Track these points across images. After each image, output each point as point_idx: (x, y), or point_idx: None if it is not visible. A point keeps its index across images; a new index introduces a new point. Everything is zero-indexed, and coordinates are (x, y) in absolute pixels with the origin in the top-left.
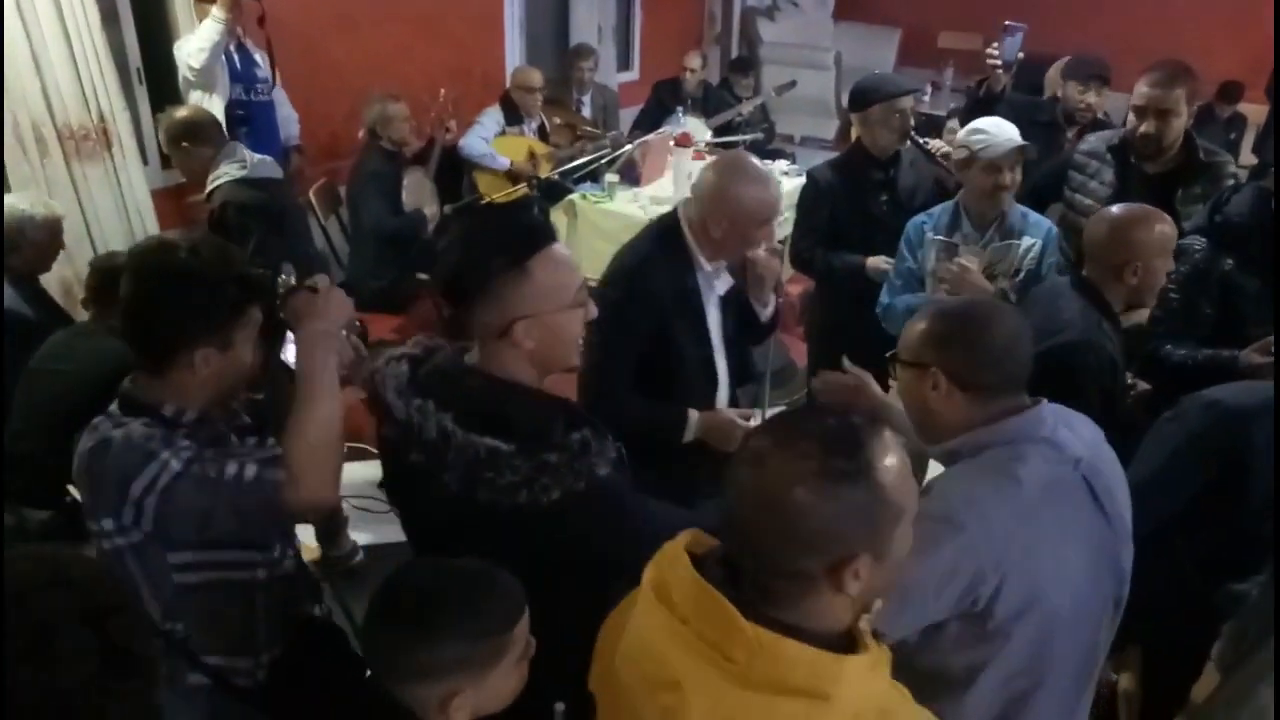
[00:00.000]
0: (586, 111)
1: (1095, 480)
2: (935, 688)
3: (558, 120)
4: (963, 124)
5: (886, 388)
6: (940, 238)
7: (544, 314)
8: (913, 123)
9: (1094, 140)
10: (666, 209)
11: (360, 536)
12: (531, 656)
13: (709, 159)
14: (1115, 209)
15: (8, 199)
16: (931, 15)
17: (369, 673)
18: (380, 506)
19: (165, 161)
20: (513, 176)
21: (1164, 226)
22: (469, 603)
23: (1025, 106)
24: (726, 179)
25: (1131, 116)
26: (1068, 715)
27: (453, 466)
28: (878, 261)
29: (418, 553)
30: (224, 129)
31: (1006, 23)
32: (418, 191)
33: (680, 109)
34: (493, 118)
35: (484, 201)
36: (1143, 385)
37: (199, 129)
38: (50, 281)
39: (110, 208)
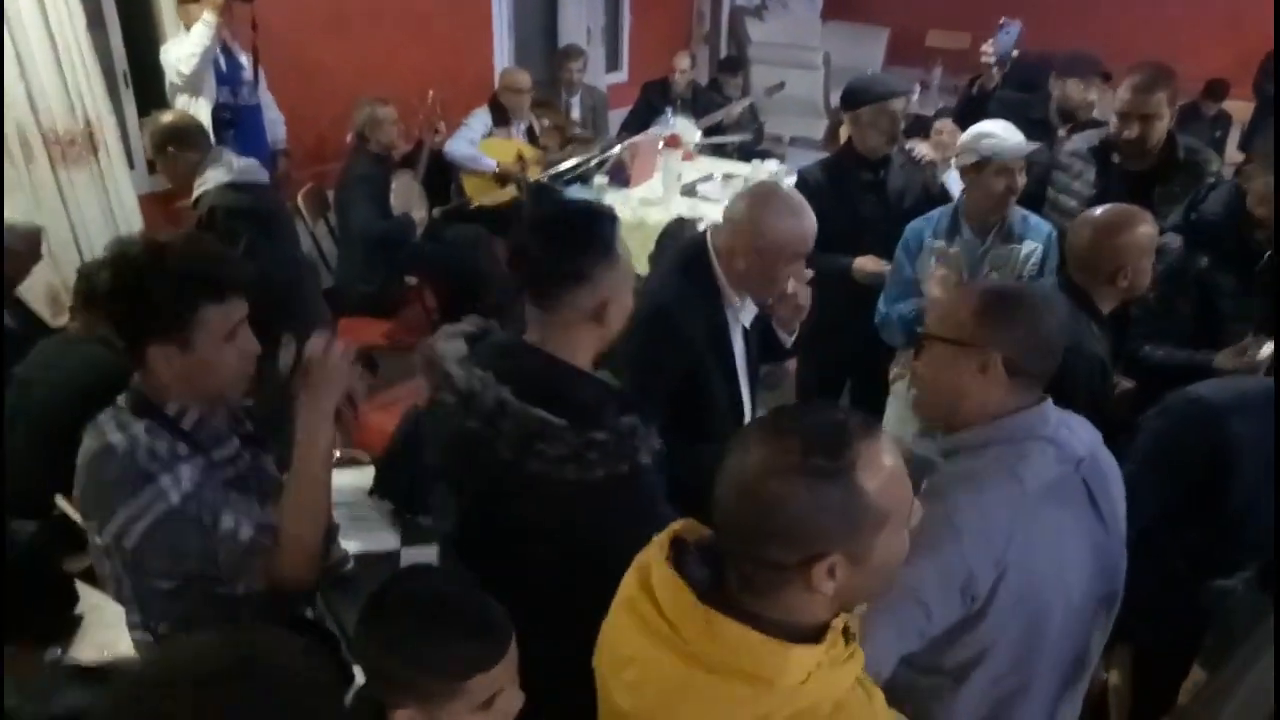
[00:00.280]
0: (575, 113)
1: (1093, 481)
2: (927, 685)
3: (546, 122)
4: (958, 123)
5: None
6: (940, 243)
7: (621, 295)
8: (903, 125)
9: (1077, 140)
10: (656, 210)
11: (350, 545)
12: (518, 712)
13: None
14: (1097, 213)
15: None
16: (919, 15)
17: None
18: (371, 515)
19: (152, 166)
20: (501, 179)
21: (1146, 227)
22: (434, 634)
23: (1017, 104)
24: (758, 209)
25: (1114, 120)
26: (1056, 716)
27: (507, 435)
28: (864, 262)
29: (456, 520)
30: (210, 134)
31: (1003, 19)
32: (406, 195)
33: (669, 110)
34: (480, 120)
35: (472, 206)
36: (1126, 383)
37: (185, 134)
38: (37, 288)
39: (97, 213)
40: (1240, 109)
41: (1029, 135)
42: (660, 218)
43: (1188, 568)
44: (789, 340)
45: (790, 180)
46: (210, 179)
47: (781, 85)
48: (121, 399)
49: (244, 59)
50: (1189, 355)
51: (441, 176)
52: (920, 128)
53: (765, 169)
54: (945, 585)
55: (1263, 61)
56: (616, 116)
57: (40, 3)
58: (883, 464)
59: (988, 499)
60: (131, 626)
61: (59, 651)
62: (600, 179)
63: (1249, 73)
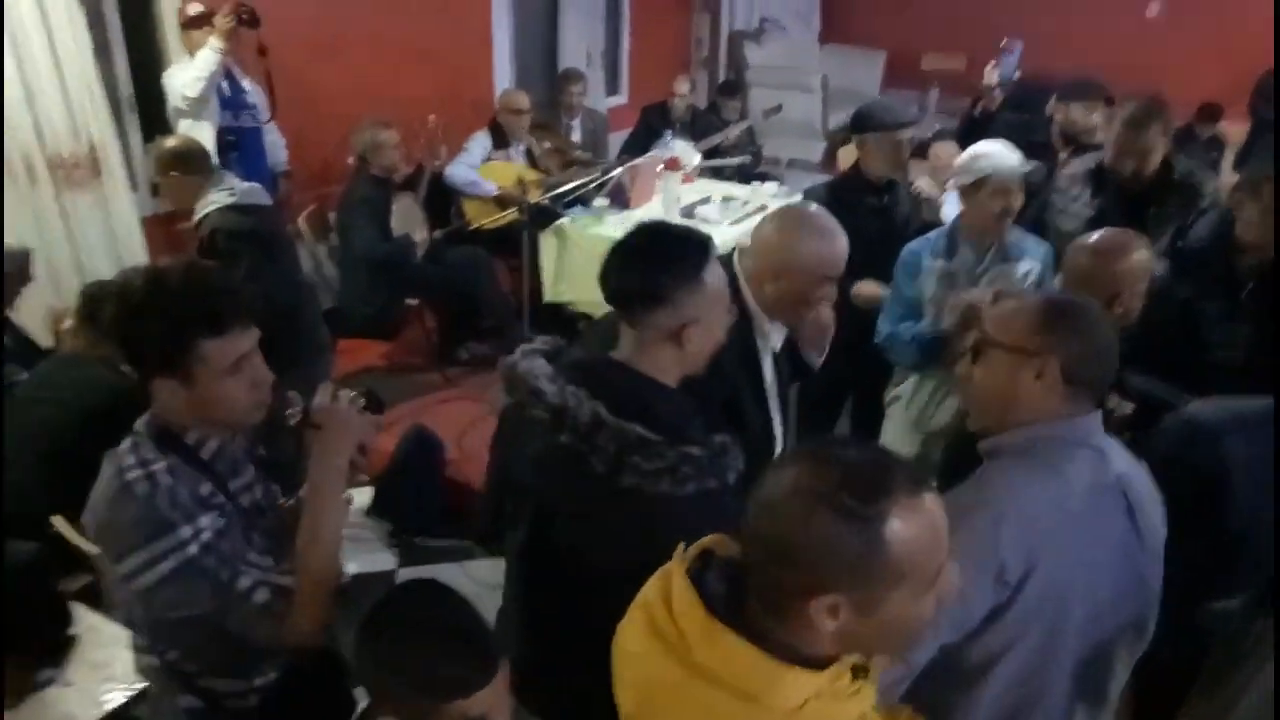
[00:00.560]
0: (576, 136)
1: (1133, 495)
2: (947, 680)
3: (547, 144)
4: (961, 144)
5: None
6: (940, 262)
7: (707, 320)
8: (908, 155)
9: (1076, 165)
10: None
11: (348, 565)
12: None
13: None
14: (1093, 239)
15: None
16: (915, 37)
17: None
18: (368, 535)
19: (155, 189)
20: (501, 202)
21: (1141, 252)
22: (422, 653)
23: (1019, 126)
24: (786, 232)
25: (1109, 150)
26: None
27: (601, 449)
28: (864, 286)
29: (528, 531)
30: (213, 158)
31: (1005, 40)
32: (407, 217)
33: (669, 133)
34: (480, 143)
35: (471, 228)
36: (1126, 407)
37: (188, 157)
38: (37, 310)
39: (99, 236)
40: (1234, 132)
41: (1030, 157)
42: None
43: (1186, 588)
44: (817, 361)
45: (792, 200)
46: (212, 201)
47: (779, 108)
48: (141, 425)
49: (247, 83)
50: (1164, 393)
51: (442, 199)
52: (918, 150)
53: (764, 191)
54: (980, 570)
55: (1258, 83)
56: (616, 139)
57: (47, 29)
58: (917, 523)
59: (1031, 492)
60: (139, 651)
61: (52, 672)
62: (601, 201)
63: (1241, 95)
